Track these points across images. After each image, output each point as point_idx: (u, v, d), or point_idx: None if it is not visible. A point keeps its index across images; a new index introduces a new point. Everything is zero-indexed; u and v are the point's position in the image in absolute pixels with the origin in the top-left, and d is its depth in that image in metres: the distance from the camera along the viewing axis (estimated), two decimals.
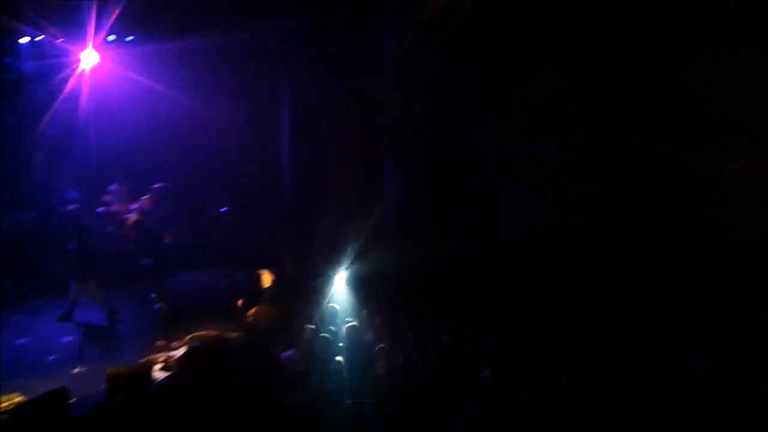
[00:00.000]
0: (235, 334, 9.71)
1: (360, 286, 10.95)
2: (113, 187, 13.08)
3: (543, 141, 11.09)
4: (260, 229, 12.18)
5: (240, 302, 10.11)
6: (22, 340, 10.03)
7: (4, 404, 7.55)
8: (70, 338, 10.16)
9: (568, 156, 10.80)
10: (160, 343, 9.72)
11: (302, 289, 10.62)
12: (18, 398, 7.69)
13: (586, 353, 7.96)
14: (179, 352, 9.15)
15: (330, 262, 11.29)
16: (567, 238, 10.66)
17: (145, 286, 11.38)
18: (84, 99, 13.34)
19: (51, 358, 9.59)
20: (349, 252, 11.29)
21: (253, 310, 9.99)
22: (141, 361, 9.01)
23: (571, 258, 10.48)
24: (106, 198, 13.07)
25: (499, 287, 10.58)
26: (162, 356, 9.21)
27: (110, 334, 10.39)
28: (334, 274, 11.06)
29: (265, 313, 9.81)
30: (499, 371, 7.33)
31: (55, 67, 12.76)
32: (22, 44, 12.63)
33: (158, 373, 8.72)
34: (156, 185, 13.18)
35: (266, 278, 10.29)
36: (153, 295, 11.18)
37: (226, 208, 13.71)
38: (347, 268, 11.19)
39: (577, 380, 7.29)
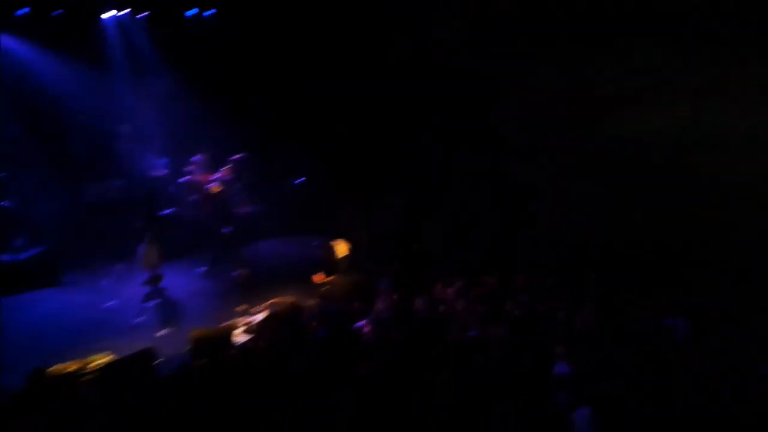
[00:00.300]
0: (311, 302, 9.95)
1: (433, 258, 10.87)
2: (196, 157, 13.39)
3: None
4: (336, 201, 12.19)
5: (317, 274, 10.23)
6: (110, 303, 10.45)
7: (94, 363, 7.95)
8: (156, 302, 10.53)
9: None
10: (241, 308, 9.98)
11: (376, 260, 10.55)
12: (107, 357, 8.12)
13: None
14: (259, 317, 9.51)
15: (403, 235, 11.23)
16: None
17: (226, 253, 11.65)
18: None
19: (137, 320, 9.96)
20: (424, 224, 11.23)
21: (329, 279, 10.11)
22: (223, 325, 9.32)
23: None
24: (189, 168, 13.39)
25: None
26: (242, 321, 9.53)
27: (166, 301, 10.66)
28: (407, 246, 11.01)
29: (340, 283, 9.92)
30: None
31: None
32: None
33: (239, 337, 9.05)
34: (235, 156, 13.43)
35: (341, 249, 10.37)
36: (233, 263, 11.44)
37: (302, 179, 13.85)
38: (419, 240, 11.11)
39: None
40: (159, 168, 14.12)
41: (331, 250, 10.46)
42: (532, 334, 7.83)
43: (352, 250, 10.50)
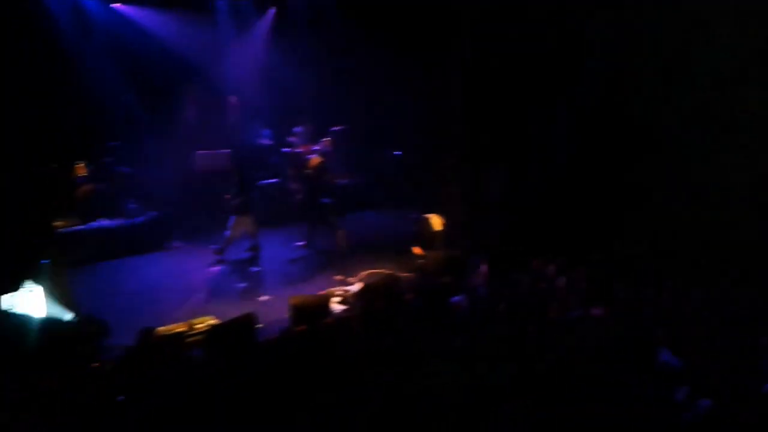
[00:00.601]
0: (407, 275, 9.92)
1: (530, 234, 10.56)
2: (298, 128, 13.59)
3: None
4: (432, 174, 12.07)
5: (415, 248, 10.18)
6: (215, 269, 10.81)
7: (199, 325, 8.22)
8: (258, 269, 10.80)
9: None
10: (338, 277, 10.09)
11: (473, 234, 10.47)
12: (211, 320, 8.39)
13: None
14: (354, 288, 9.58)
15: (497, 210, 10.97)
16: None
17: (324, 225, 11.76)
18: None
19: (241, 285, 10.23)
20: (520, 199, 10.91)
21: (425, 253, 10.04)
22: (320, 293, 9.44)
23: None
24: (291, 139, 13.60)
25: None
26: (339, 290, 9.65)
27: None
28: (507, 221, 10.76)
29: (436, 257, 9.85)
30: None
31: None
32: None
33: (336, 306, 9.14)
34: (335, 128, 13.51)
35: (436, 222, 10.24)
36: (330, 234, 11.55)
37: (399, 152, 13.81)
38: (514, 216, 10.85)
39: None
40: (264, 138, 14.43)
41: (427, 224, 10.33)
42: (635, 318, 7.46)
43: (449, 225, 10.32)
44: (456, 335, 7.18)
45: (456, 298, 8.02)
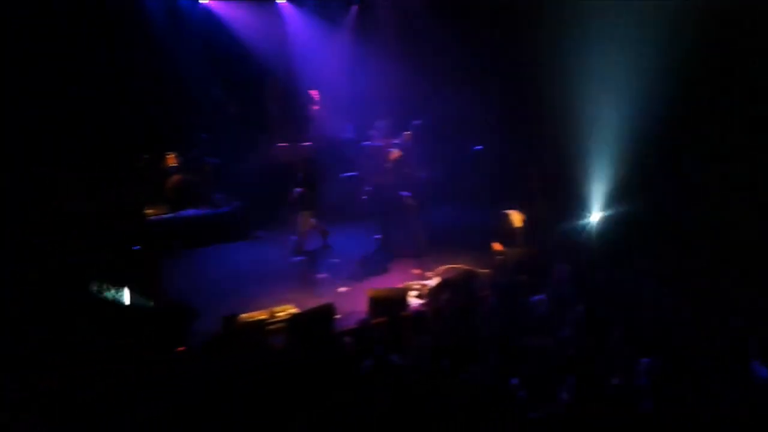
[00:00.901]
0: (485, 271, 9.82)
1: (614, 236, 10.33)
2: (379, 122, 13.63)
3: None
4: (514, 170, 11.93)
5: (496, 244, 10.06)
6: (296, 258, 11.00)
7: (280, 314, 8.39)
8: (337, 260, 10.94)
9: None
10: (416, 271, 10.07)
11: (553, 232, 10.29)
12: (291, 309, 8.55)
13: None
14: (432, 282, 9.55)
15: (584, 207, 10.72)
16: None
17: (401, 219, 11.69)
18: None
19: (320, 275, 10.36)
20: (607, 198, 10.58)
21: (504, 250, 9.93)
22: (398, 286, 9.49)
23: None
24: (372, 132, 13.65)
25: None
26: (417, 284, 9.64)
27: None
28: (588, 221, 10.55)
29: (515, 254, 9.73)
30: None
31: None
32: None
33: (413, 299, 9.18)
34: (416, 122, 13.49)
35: (516, 219, 10.08)
36: (409, 229, 11.51)
37: (480, 147, 13.65)
38: (603, 215, 10.57)
39: None
40: (347, 131, 14.59)
41: (507, 220, 10.20)
42: (724, 322, 7.16)
43: (530, 221, 10.17)
44: (534, 337, 7.09)
45: (535, 298, 7.89)
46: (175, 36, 13.73)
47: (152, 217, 11.56)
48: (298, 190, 11.15)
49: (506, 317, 7.79)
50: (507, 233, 10.13)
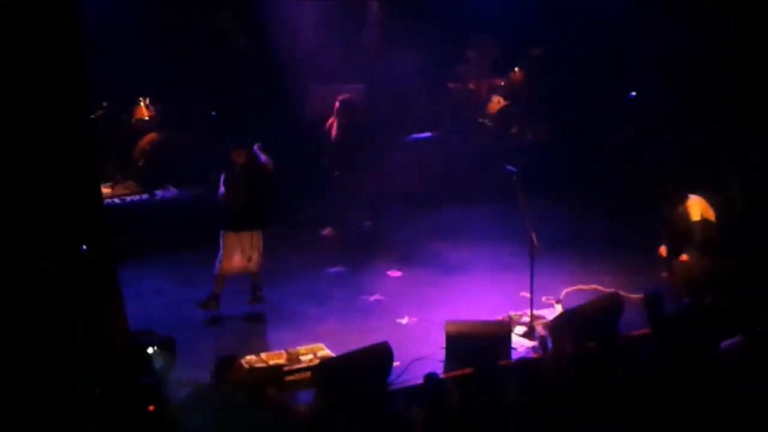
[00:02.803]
0: (637, 297, 9.50)
1: None
2: (470, 51, 13.40)
3: None
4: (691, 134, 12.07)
5: (660, 247, 9.93)
6: (332, 269, 11.14)
7: (306, 356, 8.41)
8: (398, 274, 11.03)
9: None
10: (524, 294, 9.75)
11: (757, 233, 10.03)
12: (322, 350, 8.55)
13: None
14: (551, 313, 9.49)
15: None
16: None
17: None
18: None
19: (372, 298, 10.34)
20: None
21: (674, 257, 9.76)
22: (495, 320, 9.39)
23: None
24: (459, 68, 13.44)
25: None
26: (526, 315, 9.46)
27: None
28: None
29: (695, 267, 9.51)
30: None
31: None
32: None
33: (519, 339, 9.12)
34: (534, 50, 13.51)
35: (695, 209, 9.70)
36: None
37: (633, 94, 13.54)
38: None
39: None
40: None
41: (681, 210, 9.83)
42: None
43: (722, 215, 9.89)
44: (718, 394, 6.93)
45: (728, 342, 7.54)
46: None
47: (112, 200, 11.63)
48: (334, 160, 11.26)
49: (678, 370, 7.45)
50: (681, 230, 9.84)
